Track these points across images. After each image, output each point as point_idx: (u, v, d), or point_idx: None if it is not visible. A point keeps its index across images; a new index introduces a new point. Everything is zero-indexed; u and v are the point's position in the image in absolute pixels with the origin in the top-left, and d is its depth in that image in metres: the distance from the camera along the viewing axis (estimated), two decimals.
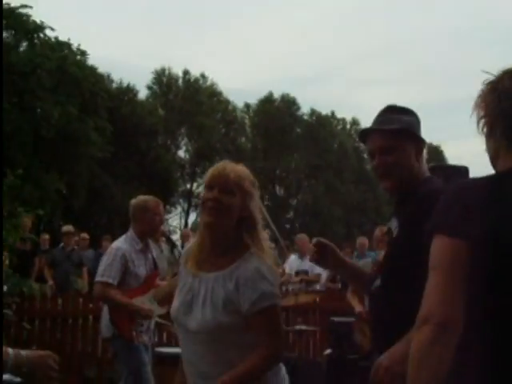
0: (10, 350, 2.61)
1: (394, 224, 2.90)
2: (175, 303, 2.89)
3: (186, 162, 45.80)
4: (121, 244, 5.42)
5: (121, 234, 5.66)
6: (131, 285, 5.27)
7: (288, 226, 46.48)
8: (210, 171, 2.86)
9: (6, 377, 5.83)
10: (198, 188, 46.86)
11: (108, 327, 5.46)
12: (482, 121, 2.06)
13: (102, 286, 5.21)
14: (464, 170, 4.67)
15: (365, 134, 2.97)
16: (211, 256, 2.84)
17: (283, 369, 2.91)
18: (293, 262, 10.44)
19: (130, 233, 5.48)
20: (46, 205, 24.91)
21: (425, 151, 2.91)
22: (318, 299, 8.46)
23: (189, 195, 45.26)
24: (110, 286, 5.17)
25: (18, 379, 5.79)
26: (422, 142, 2.91)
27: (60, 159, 27.89)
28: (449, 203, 2.01)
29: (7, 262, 7.63)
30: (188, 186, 45.86)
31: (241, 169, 2.86)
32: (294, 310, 8.19)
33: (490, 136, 2.07)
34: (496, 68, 2.04)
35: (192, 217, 44.67)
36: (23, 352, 2.65)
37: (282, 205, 47.80)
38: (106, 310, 5.54)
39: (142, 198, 5.64)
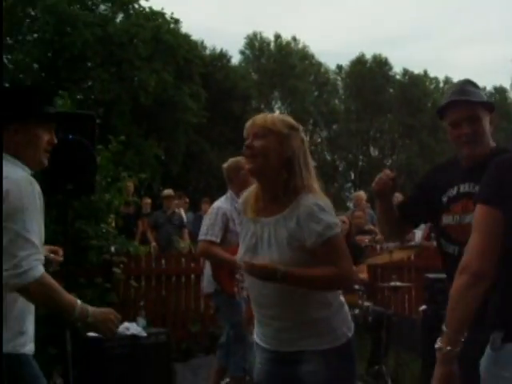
0: (79, 302, 2.84)
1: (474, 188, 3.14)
2: (240, 250, 3.04)
3: None
4: (221, 204, 5.67)
5: (219, 198, 5.91)
6: (232, 242, 5.44)
7: None
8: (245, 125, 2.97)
9: (134, 330, 6.26)
10: None
11: (210, 283, 5.74)
12: None
13: (205, 244, 5.47)
14: None
15: (451, 104, 3.21)
16: (267, 202, 2.96)
17: (346, 307, 3.04)
18: None
19: (229, 193, 5.72)
20: (145, 170, 25.65)
21: None
22: (412, 256, 8.54)
23: None
24: (213, 243, 5.42)
25: (145, 333, 6.25)
26: (493, 115, 3.23)
27: (158, 126, 28.56)
28: (489, 177, 2.44)
29: (113, 224, 8.03)
30: None
31: (272, 115, 2.98)
32: (388, 267, 8.31)
33: None
34: None
35: None
36: (90, 307, 2.87)
37: (376, 165, 47.39)
38: (208, 266, 5.82)
39: (232, 159, 5.86)
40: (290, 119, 2.98)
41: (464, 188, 3.23)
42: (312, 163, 2.99)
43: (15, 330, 2.89)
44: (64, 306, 2.83)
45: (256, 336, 3.13)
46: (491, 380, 2.38)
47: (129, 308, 7.60)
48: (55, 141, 3.11)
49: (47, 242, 6.47)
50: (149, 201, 13.30)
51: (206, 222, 5.58)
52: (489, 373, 2.39)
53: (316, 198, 2.86)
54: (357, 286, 6.63)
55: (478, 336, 2.48)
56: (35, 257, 2.74)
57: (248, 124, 2.95)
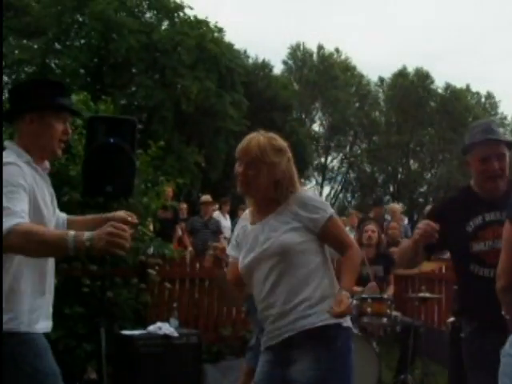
0: (71, 232, 2.80)
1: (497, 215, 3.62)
2: (240, 257, 3.32)
3: (321, 136, 45.97)
4: None
5: None
6: None
7: (421, 200, 45.78)
8: (239, 145, 3.23)
9: (166, 330, 6.42)
10: (333, 161, 46.82)
11: None
12: None
13: None
14: None
15: (483, 142, 3.62)
16: (261, 210, 3.28)
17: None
18: None
19: None
20: (185, 176, 25.87)
21: None
22: (443, 268, 8.61)
23: (323, 168, 45.51)
24: None
25: (176, 334, 6.42)
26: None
27: (199, 133, 28.80)
28: None
29: (151, 226, 8.24)
30: (322, 159, 46.08)
31: (264, 141, 3.21)
32: (419, 278, 8.39)
33: None
34: None
35: (326, 190, 44.98)
36: (87, 232, 2.78)
37: (415, 179, 47.11)
38: None
39: None
40: (278, 142, 3.25)
41: (490, 217, 3.62)
42: (295, 173, 3.28)
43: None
44: (53, 241, 2.80)
45: (261, 345, 3.39)
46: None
47: (162, 309, 7.81)
48: (69, 131, 3.31)
49: None
50: (185, 206, 13.57)
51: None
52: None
53: (303, 192, 3.25)
54: (385, 296, 6.76)
55: (496, 341, 3.12)
56: (7, 218, 2.79)
57: (240, 148, 3.23)
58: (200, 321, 8.32)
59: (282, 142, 3.27)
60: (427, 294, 7.23)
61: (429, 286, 8.18)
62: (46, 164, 3.33)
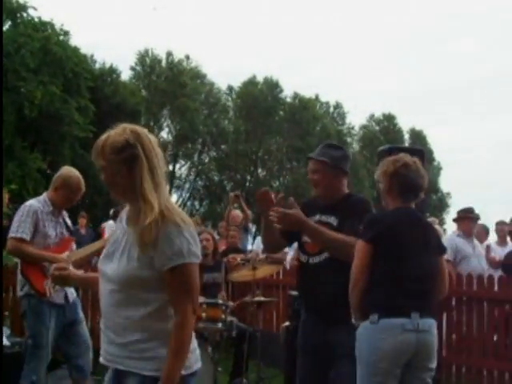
0: None
1: None
2: (102, 254, 2.93)
3: (169, 144, 45.88)
4: (34, 202, 5.62)
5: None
6: (40, 243, 5.42)
7: None
8: None
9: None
10: (181, 169, 46.91)
11: (22, 283, 5.53)
12: None
13: (16, 242, 5.33)
14: (419, 152, 5.81)
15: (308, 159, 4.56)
16: (132, 212, 2.84)
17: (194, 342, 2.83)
18: (260, 242, 10.78)
19: (45, 196, 5.78)
20: (28, 184, 25.12)
21: None
22: (280, 273, 8.84)
23: (171, 176, 45.42)
24: (24, 241, 5.31)
25: (8, 342, 6.12)
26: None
27: (43, 139, 28.05)
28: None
29: None
30: (170, 167, 45.99)
31: (106, 137, 2.83)
32: (256, 284, 8.57)
33: None
34: None
35: (174, 197, 44.86)
36: None
37: (263, 187, 47.93)
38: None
39: (67, 168, 6.08)
40: (121, 138, 2.81)
41: (321, 217, 4.39)
42: (160, 170, 2.89)
43: None
44: None
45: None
46: None
47: None
48: None
49: None
50: None
51: (17, 218, 5.45)
52: None
53: (178, 218, 2.71)
54: (220, 301, 6.83)
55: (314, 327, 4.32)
56: None
57: None
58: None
59: (127, 137, 2.79)
60: (262, 298, 7.31)
61: (266, 291, 8.36)
62: None
